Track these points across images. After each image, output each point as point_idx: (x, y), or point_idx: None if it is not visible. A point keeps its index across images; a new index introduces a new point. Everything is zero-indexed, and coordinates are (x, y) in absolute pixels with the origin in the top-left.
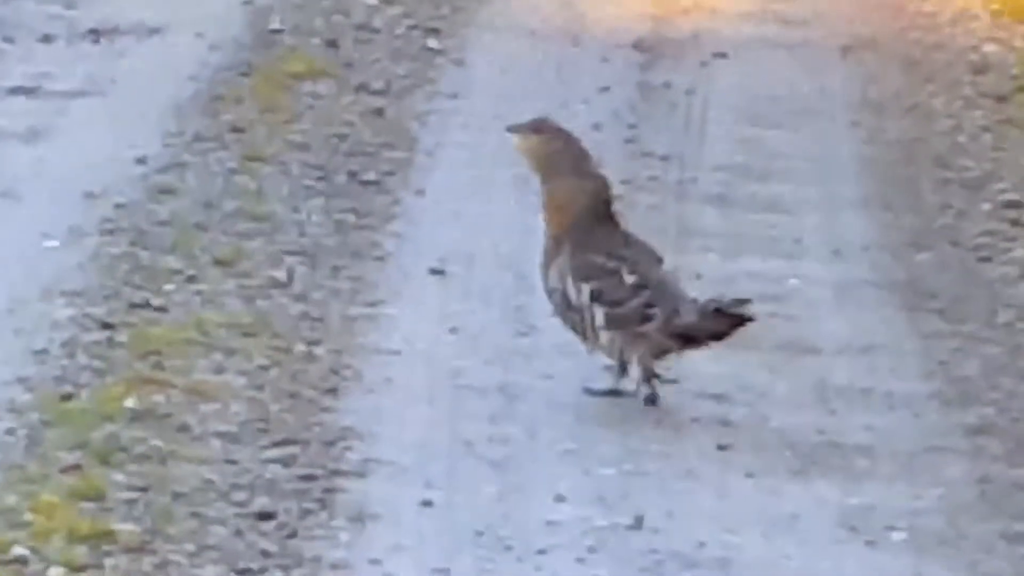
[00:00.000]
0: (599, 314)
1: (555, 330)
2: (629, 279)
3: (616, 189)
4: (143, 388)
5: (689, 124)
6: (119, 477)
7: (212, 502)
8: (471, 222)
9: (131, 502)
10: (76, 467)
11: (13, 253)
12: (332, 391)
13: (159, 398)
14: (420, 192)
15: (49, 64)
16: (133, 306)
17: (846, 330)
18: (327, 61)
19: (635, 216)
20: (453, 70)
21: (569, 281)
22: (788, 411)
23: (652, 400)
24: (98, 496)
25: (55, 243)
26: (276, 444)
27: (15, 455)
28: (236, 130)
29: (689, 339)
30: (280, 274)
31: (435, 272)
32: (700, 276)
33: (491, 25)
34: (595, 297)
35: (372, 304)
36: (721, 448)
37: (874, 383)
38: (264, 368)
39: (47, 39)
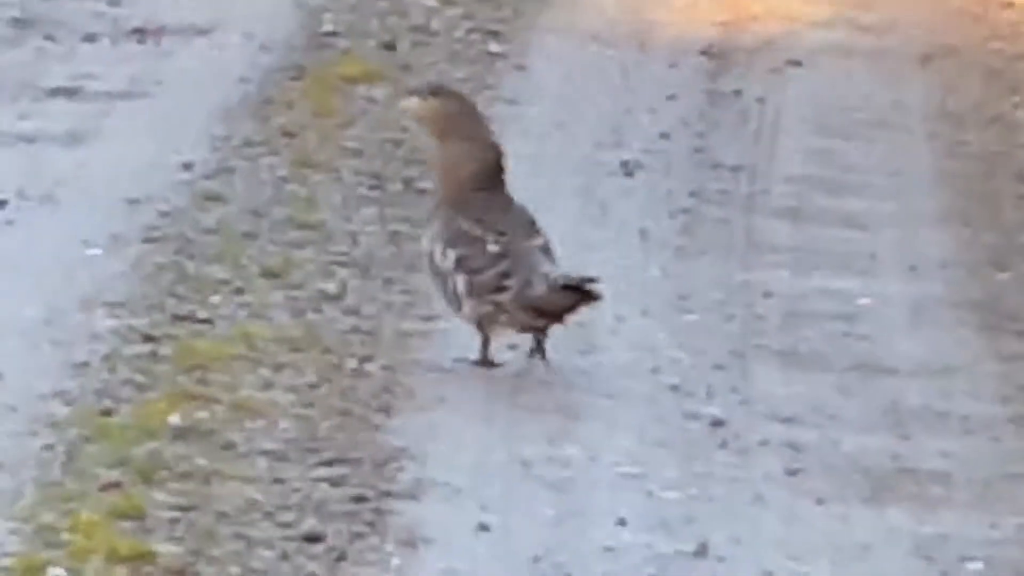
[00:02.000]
0: (461, 281)
1: (617, 348)
2: (492, 248)
3: (684, 202)
4: (187, 404)
5: (760, 134)
6: (161, 496)
7: (258, 523)
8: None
9: (173, 522)
10: (116, 485)
11: (52, 261)
12: (384, 409)
13: (203, 414)
14: None
15: (92, 64)
16: (177, 318)
17: (921, 351)
18: (382, 64)
19: (703, 229)
20: (514, 75)
21: (439, 246)
22: (860, 435)
23: (483, 364)
24: (139, 515)
25: (96, 251)
26: (325, 463)
27: (53, 472)
28: (287, 135)
29: (542, 312)
30: (331, 286)
31: None
32: (770, 294)
33: (554, 28)
34: (459, 264)
35: (427, 319)
36: (790, 473)
37: (950, 406)
38: (313, 384)
39: (90, 38)
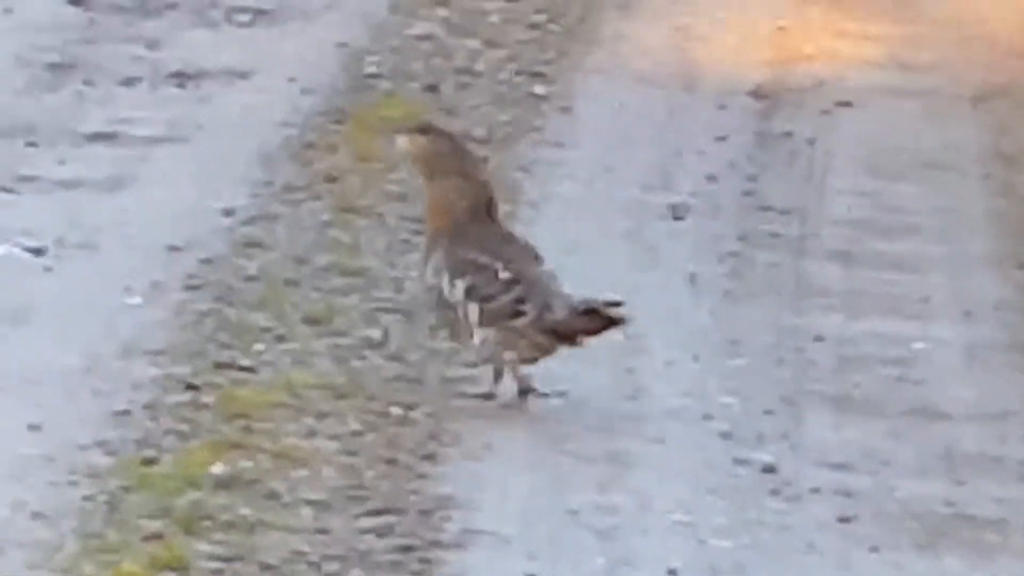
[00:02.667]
0: (473, 310)
1: (667, 393)
2: (503, 275)
3: (733, 246)
4: (230, 453)
5: (810, 176)
6: (204, 547)
7: (302, 574)
8: (576, 279)
9: (216, 573)
10: (158, 536)
11: (92, 309)
12: (430, 457)
13: (246, 463)
14: None
15: (131, 109)
16: (219, 366)
17: (976, 395)
18: (426, 107)
19: (753, 273)
20: (559, 117)
21: (445, 277)
22: (914, 481)
23: (524, 393)
24: (182, 567)
25: (137, 299)
26: (371, 513)
27: (94, 523)
28: (329, 180)
29: (561, 336)
30: (375, 333)
31: None
32: (821, 338)
33: (600, 70)
34: (469, 293)
35: (472, 365)
36: (843, 520)
37: (1006, 451)
38: (358, 432)
39: (129, 82)
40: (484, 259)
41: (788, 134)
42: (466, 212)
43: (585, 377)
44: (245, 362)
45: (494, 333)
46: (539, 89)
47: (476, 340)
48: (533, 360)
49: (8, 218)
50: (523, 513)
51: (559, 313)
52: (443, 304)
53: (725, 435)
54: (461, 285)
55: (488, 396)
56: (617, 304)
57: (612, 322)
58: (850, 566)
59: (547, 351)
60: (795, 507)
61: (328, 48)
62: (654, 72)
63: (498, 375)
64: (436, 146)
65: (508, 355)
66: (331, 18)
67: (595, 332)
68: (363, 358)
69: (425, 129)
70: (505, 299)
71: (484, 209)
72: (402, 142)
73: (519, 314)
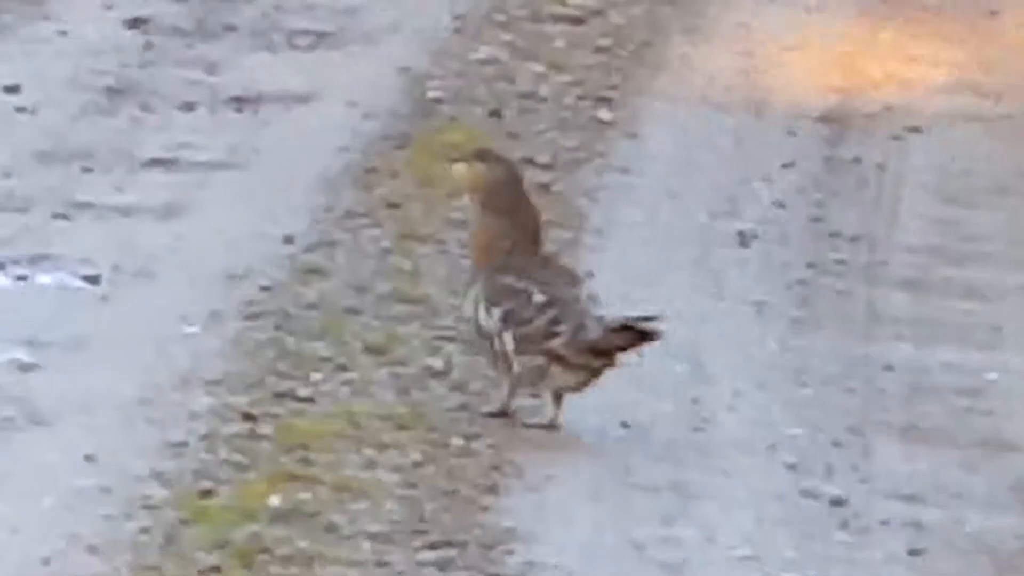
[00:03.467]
0: (508, 340)
1: (733, 424)
2: (537, 298)
3: (801, 273)
4: (288, 484)
5: (880, 203)
6: None
7: None
8: (642, 307)
9: None
10: (216, 569)
11: (148, 338)
12: (492, 489)
13: (305, 495)
14: (588, 274)
15: (189, 134)
16: (278, 396)
17: None
18: (489, 132)
19: (821, 301)
20: (625, 143)
21: (481, 307)
22: (986, 513)
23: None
24: None
25: (194, 327)
26: (431, 546)
27: (150, 555)
28: (391, 206)
29: (598, 354)
30: (437, 362)
31: None
32: (891, 368)
33: (666, 95)
34: (505, 320)
35: (534, 395)
36: (913, 553)
37: None
38: (419, 464)
39: (187, 107)
40: (520, 284)
41: (857, 160)
42: (514, 245)
43: (649, 407)
44: (304, 392)
45: (531, 359)
46: (604, 114)
47: (515, 369)
48: (576, 387)
49: (63, 246)
50: (586, 546)
51: (593, 332)
52: (481, 334)
53: (792, 467)
54: (497, 312)
55: (551, 427)
56: (650, 318)
57: (646, 336)
58: None
59: (587, 374)
60: (864, 540)
61: (390, 72)
62: (721, 97)
63: (558, 401)
64: (494, 174)
65: (548, 383)
66: (393, 42)
67: (630, 347)
68: (424, 388)
69: (483, 156)
70: (539, 322)
71: (532, 240)
72: (459, 169)
73: (553, 335)
